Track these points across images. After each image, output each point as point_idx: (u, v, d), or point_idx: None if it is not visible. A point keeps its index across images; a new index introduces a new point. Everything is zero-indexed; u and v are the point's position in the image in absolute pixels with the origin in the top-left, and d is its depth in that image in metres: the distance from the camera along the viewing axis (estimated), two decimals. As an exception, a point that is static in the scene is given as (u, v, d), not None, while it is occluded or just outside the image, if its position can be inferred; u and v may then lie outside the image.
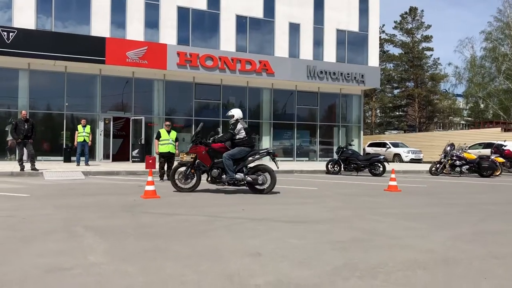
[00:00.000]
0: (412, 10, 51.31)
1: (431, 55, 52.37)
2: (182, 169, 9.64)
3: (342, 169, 16.41)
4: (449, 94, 53.02)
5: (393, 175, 10.65)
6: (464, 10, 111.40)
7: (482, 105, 50.49)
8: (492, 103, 47.09)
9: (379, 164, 15.93)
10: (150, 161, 15.50)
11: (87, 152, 16.63)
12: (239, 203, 7.94)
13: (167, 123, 12.67)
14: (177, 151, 12.75)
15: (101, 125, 20.92)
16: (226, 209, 7.22)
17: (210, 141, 9.47)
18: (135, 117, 21.50)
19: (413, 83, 52.41)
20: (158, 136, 12.42)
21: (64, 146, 19.86)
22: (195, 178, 9.60)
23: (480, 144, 24.60)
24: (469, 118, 56.51)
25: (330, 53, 25.10)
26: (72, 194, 9.04)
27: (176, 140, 12.61)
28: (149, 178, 8.63)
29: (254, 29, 23.63)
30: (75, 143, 16.49)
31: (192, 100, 22.91)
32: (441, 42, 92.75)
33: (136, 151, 20.82)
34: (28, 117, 14.27)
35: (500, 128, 29.64)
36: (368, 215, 6.66)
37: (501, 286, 3.44)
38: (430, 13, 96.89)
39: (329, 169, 16.60)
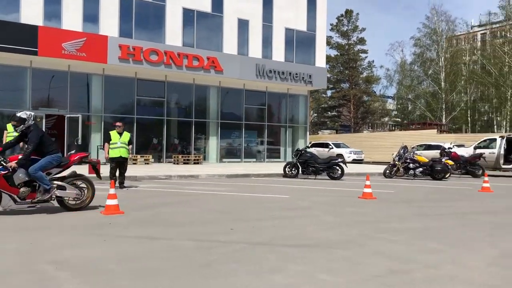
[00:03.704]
0: (348, 13, 52.36)
1: (366, 57, 53.91)
2: None
3: (300, 172, 15.85)
4: (377, 95, 54.97)
5: (368, 182, 10.18)
6: (391, 16, 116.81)
7: (410, 106, 52.90)
8: (420, 105, 49.45)
9: (337, 167, 15.57)
10: (94, 165, 13.93)
11: None
12: (216, 220, 6.99)
13: (119, 124, 11.32)
14: (130, 155, 11.48)
15: (31, 123, 18.75)
16: (210, 229, 6.24)
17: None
18: (71, 115, 19.56)
19: (348, 84, 53.61)
20: (109, 139, 11.07)
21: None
22: None
23: (421, 146, 25.30)
24: (397, 119, 59.12)
25: (279, 52, 24.57)
26: (17, 209, 7.57)
27: (129, 143, 11.32)
28: (111, 191, 7.41)
29: (202, 23, 22.48)
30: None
31: (133, 97, 21.32)
32: (372, 46, 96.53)
33: (73, 152, 18.89)
34: None
35: (436, 130, 30.87)
36: (374, 233, 6.00)
37: None
38: (362, 17, 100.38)
39: (287, 172, 15.99)
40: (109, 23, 19.88)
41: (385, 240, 5.61)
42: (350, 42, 52.97)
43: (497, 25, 45.44)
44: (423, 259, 4.68)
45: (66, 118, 19.60)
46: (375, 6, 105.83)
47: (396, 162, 16.86)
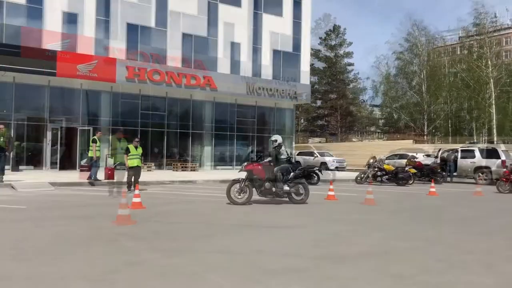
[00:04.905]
0: (336, 28, 55.49)
1: (352, 70, 56.99)
2: (237, 185, 10.90)
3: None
4: (365, 104, 58.15)
5: (370, 188, 12.44)
6: (375, 26, 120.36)
7: (395, 116, 55.86)
8: (404, 115, 52.37)
9: (314, 175, 18.19)
10: (110, 172, 16.50)
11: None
12: (238, 228, 7.79)
13: (137, 139, 14.07)
14: (142, 164, 14.21)
15: (49, 134, 21.38)
16: (240, 238, 6.79)
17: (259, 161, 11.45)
18: (83, 127, 22.17)
19: (336, 95, 56.52)
20: (127, 151, 13.71)
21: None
22: (248, 192, 10.87)
23: (395, 155, 28.11)
24: (384, 127, 62.15)
25: (267, 71, 27.44)
26: (60, 208, 10.06)
27: (142, 154, 14.07)
28: (123, 200, 7.97)
29: (199, 46, 25.29)
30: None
31: (138, 112, 23.98)
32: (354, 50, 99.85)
33: (85, 160, 21.47)
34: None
35: (412, 140, 33.82)
36: (403, 243, 6.73)
37: None
38: (340, 21, 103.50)
39: (272, 178, 18.67)
40: (117, 47, 22.61)
41: (421, 249, 6.35)
42: (337, 55, 56.01)
43: (473, 39, 48.24)
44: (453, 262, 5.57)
45: (78, 130, 22.21)
46: (359, 18, 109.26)
47: (367, 170, 19.64)
